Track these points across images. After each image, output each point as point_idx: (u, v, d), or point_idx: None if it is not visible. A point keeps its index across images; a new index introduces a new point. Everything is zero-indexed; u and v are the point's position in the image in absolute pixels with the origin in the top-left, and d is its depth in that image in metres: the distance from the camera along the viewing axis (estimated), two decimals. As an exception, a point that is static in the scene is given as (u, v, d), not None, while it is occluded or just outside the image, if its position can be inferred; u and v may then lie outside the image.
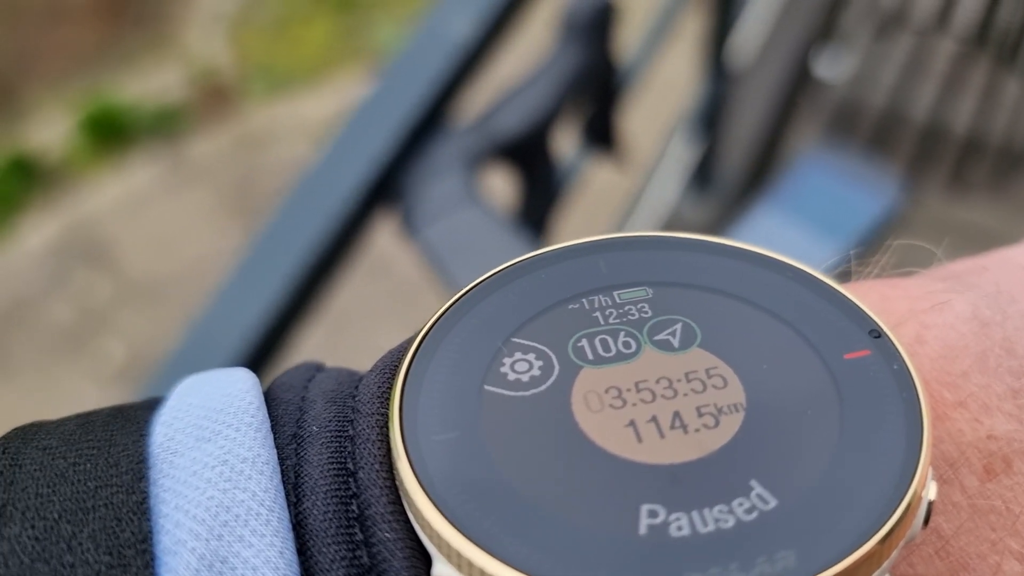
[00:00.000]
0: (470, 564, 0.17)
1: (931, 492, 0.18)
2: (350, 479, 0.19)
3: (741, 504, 0.17)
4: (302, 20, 2.28)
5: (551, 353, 0.20)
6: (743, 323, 0.20)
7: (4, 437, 0.20)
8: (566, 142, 0.80)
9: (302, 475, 0.19)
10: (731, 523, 0.17)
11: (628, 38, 0.84)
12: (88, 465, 0.18)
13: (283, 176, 1.91)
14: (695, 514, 0.17)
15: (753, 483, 0.17)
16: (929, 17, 1.21)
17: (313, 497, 0.18)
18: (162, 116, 2.11)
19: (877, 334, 0.20)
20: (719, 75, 1.16)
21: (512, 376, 0.19)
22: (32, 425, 0.20)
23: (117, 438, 0.19)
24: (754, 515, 0.17)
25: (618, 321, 0.20)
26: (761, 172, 1.22)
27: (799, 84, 1.23)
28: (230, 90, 2.16)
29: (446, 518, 0.17)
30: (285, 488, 0.19)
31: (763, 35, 1.25)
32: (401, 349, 0.21)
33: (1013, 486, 0.19)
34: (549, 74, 0.70)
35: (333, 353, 1.49)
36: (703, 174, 1.23)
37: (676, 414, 0.18)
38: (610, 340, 0.20)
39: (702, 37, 1.13)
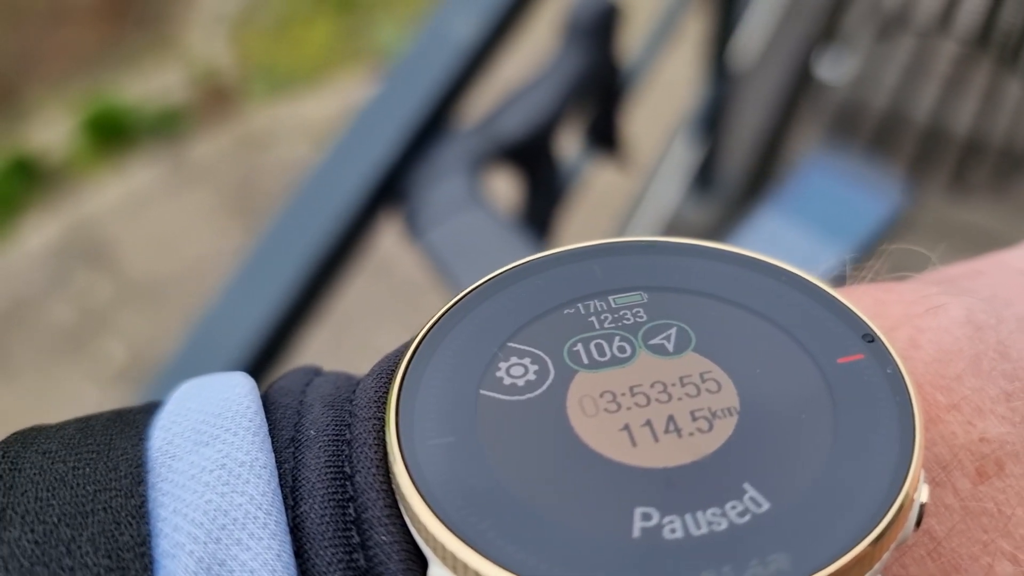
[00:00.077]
0: (465, 567, 0.17)
1: (923, 494, 0.18)
2: (347, 482, 0.19)
3: (734, 507, 0.17)
4: (303, 21, 2.28)
5: (547, 357, 0.20)
6: (737, 327, 0.20)
7: (4, 441, 0.20)
8: (569, 144, 0.81)
9: (300, 478, 0.19)
10: (724, 526, 0.17)
11: (630, 40, 0.84)
12: (87, 469, 0.19)
13: (284, 177, 1.91)
14: (688, 517, 0.17)
15: (746, 486, 0.18)
16: (931, 18, 1.21)
17: (310, 500, 0.19)
18: (163, 117, 2.11)
19: (871, 338, 0.20)
20: (721, 77, 1.16)
21: (508, 380, 0.19)
22: (32, 429, 0.20)
23: (116, 442, 0.19)
24: (747, 518, 0.17)
25: (613, 326, 0.20)
26: (763, 174, 1.22)
27: (801, 85, 1.23)
28: (231, 91, 2.16)
29: (442, 521, 0.17)
30: (283, 491, 0.19)
31: (765, 37, 1.25)
32: (398, 353, 0.21)
33: (1005, 488, 0.20)
34: (553, 76, 0.70)
35: (336, 354, 1.49)
36: (705, 176, 1.23)
37: (670, 418, 0.19)
38: (605, 344, 0.20)
39: (704, 39, 1.13)
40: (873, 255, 0.25)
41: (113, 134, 2.09)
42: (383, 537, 0.18)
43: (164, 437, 0.19)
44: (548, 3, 0.80)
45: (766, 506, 0.17)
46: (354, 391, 0.21)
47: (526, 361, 0.20)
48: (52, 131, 2.11)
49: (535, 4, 0.77)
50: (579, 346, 0.20)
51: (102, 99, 2.14)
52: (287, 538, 0.18)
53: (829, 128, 1.21)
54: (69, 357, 1.79)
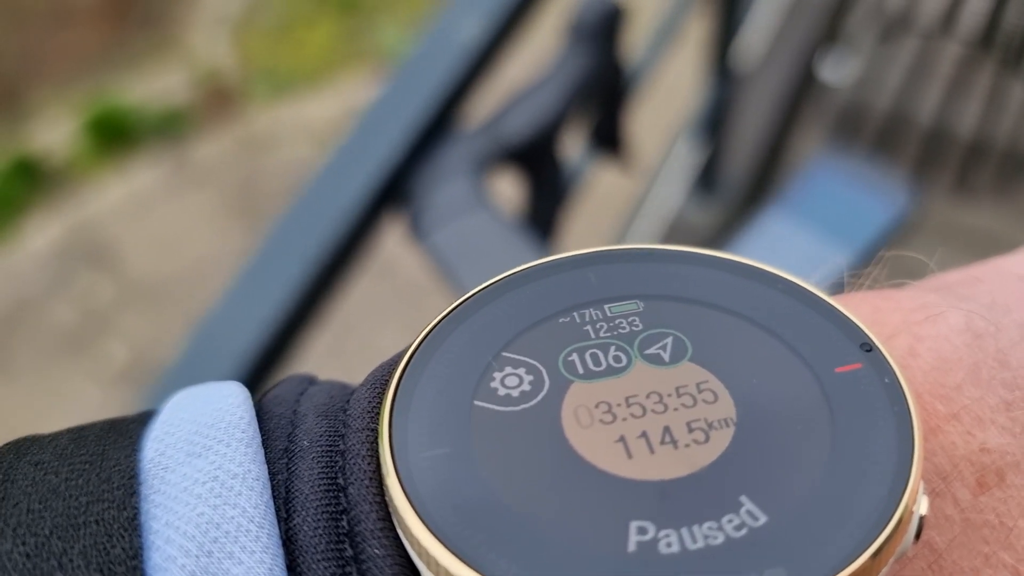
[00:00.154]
0: None
1: (922, 507, 0.18)
2: (340, 494, 0.19)
3: (731, 521, 0.17)
4: (305, 23, 2.28)
5: (541, 367, 0.20)
6: (734, 336, 0.20)
7: None
8: (572, 145, 0.80)
9: (292, 490, 0.19)
10: (720, 540, 0.17)
11: (633, 41, 0.83)
12: (80, 480, 0.18)
13: (286, 178, 1.91)
14: (684, 531, 0.17)
15: (743, 499, 0.17)
16: (934, 20, 1.21)
17: (303, 513, 0.18)
18: (166, 118, 2.11)
19: (869, 347, 0.20)
20: (724, 78, 1.16)
21: (502, 391, 0.19)
22: (25, 439, 0.20)
23: (110, 452, 0.19)
24: (744, 532, 0.17)
25: (609, 335, 0.20)
26: (766, 176, 1.22)
27: (804, 87, 1.23)
28: (234, 92, 2.17)
29: (434, 535, 0.17)
30: (276, 503, 0.19)
31: (768, 38, 1.25)
32: (392, 363, 0.21)
33: (1006, 499, 0.19)
34: (557, 78, 0.70)
35: (338, 356, 1.50)
36: (707, 178, 1.23)
37: (666, 429, 0.18)
38: (601, 354, 0.20)
39: (707, 40, 1.13)
40: (872, 262, 0.25)
41: (115, 135, 2.09)
42: (376, 551, 0.18)
43: (157, 448, 0.19)
44: (552, 5, 0.80)
45: (763, 520, 0.17)
46: (348, 401, 0.20)
47: (521, 371, 0.19)
48: (55, 132, 2.11)
49: (540, 6, 0.77)
50: (574, 356, 0.20)
51: (105, 100, 2.14)
52: (280, 551, 0.18)
53: (832, 130, 1.21)
54: (71, 358, 1.79)
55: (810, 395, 0.19)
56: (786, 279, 0.21)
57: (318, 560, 0.18)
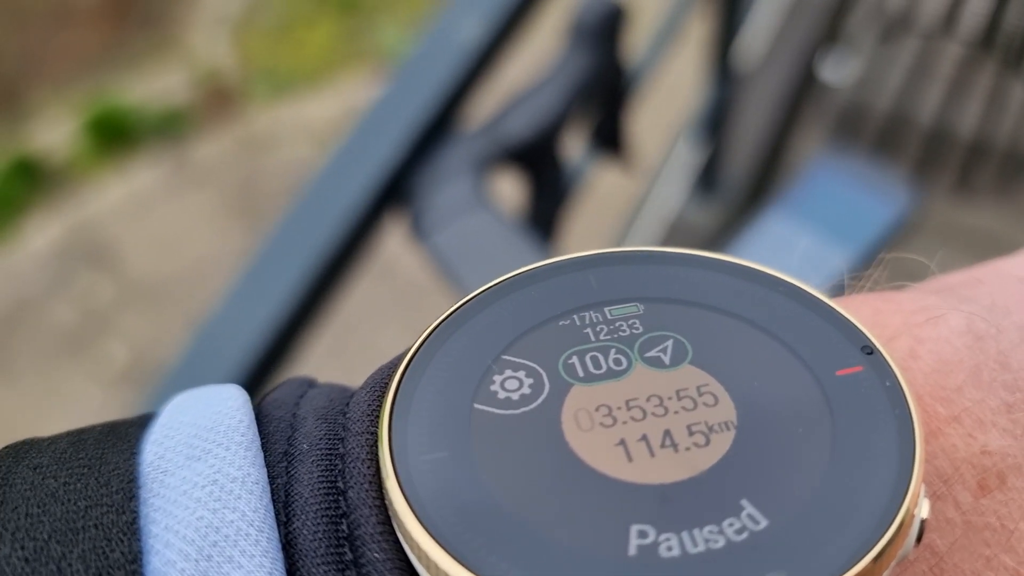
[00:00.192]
0: None
1: (924, 510, 0.18)
2: (340, 498, 0.19)
3: (732, 524, 0.17)
4: (305, 23, 2.28)
5: (541, 370, 0.19)
6: (734, 339, 0.20)
7: None
8: (573, 145, 0.80)
9: (292, 494, 0.19)
10: (721, 544, 0.17)
11: (634, 42, 0.83)
12: (79, 484, 0.18)
13: (286, 178, 1.92)
14: (685, 535, 0.17)
15: (744, 503, 0.17)
16: (935, 21, 1.21)
17: (303, 516, 0.18)
18: (166, 118, 2.11)
19: (870, 350, 0.20)
20: (724, 78, 1.16)
21: (502, 394, 0.19)
22: (24, 443, 0.20)
23: (108, 456, 0.19)
24: (744, 535, 0.17)
25: (609, 338, 0.20)
26: (766, 176, 1.22)
27: (804, 88, 1.23)
28: (233, 92, 2.17)
29: (434, 539, 0.17)
30: (275, 506, 0.19)
31: (768, 38, 1.25)
32: (392, 365, 0.21)
33: (1007, 502, 0.19)
34: (558, 78, 0.70)
35: (339, 356, 1.50)
36: (708, 178, 1.23)
37: (667, 432, 0.18)
38: (601, 357, 0.20)
39: (707, 40, 1.13)
40: (873, 264, 0.25)
41: (116, 135, 2.09)
42: (376, 554, 0.18)
43: (156, 451, 0.19)
44: (553, 5, 0.80)
45: (764, 523, 0.17)
46: (348, 404, 0.20)
47: (521, 374, 0.19)
48: (55, 132, 2.11)
49: (540, 6, 0.77)
50: (574, 359, 0.20)
51: (105, 100, 2.14)
52: (279, 555, 0.18)
53: (832, 130, 1.21)
54: (71, 358, 1.79)
55: (811, 398, 0.19)
56: (787, 282, 0.21)
57: (318, 564, 0.18)
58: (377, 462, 0.19)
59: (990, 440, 0.20)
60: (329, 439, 0.20)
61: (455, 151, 0.66)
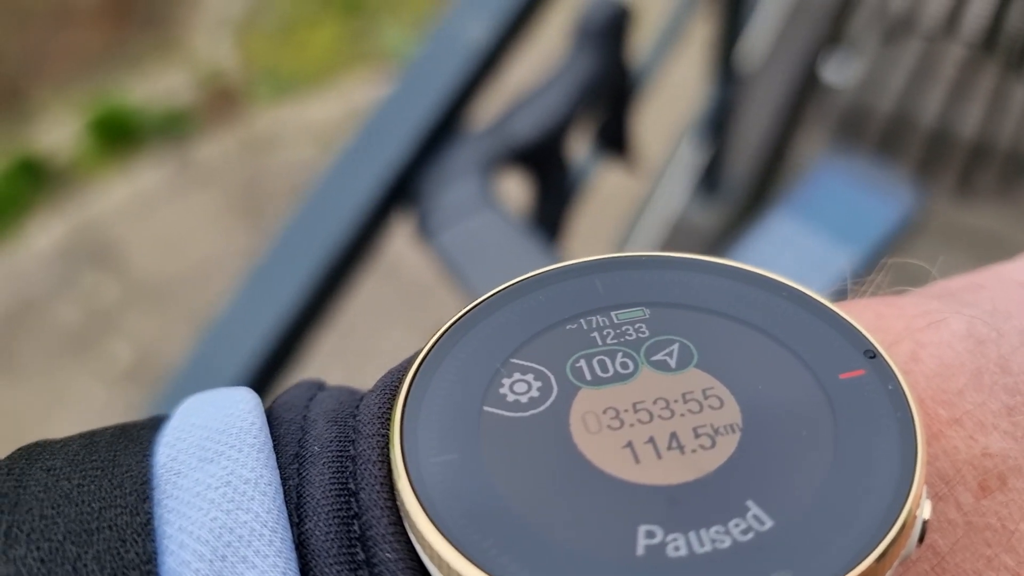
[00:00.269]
0: None
1: (926, 511, 0.18)
2: (352, 499, 0.19)
3: (737, 525, 0.17)
4: (308, 23, 2.28)
5: (549, 374, 0.20)
6: (739, 343, 0.20)
7: (8, 457, 0.20)
8: (578, 146, 0.81)
9: (304, 495, 0.19)
10: (728, 544, 0.17)
11: (638, 43, 0.84)
12: (92, 486, 0.19)
13: (289, 179, 1.92)
14: (692, 535, 0.17)
15: (749, 504, 0.18)
16: (937, 22, 1.21)
17: (315, 517, 0.19)
18: (169, 118, 2.12)
19: (872, 354, 0.20)
20: (727, 80, 1.16)
21: (511, 397, 0.19)
22: (36, 445, 0.20)
23: (121, 458, 0.19)
24: (750, 536, 0.17)
25: (616, 341, 0.20)
26: (769, 177, 1.22)
27: (807, 89, 1.23)
28: (236, 93, 2.17)
29: (447, 539, 0.17)
30: (287, 508, 0.19)
31: (771, 40, 1.25)
32: (401, 369, 0.21)
33: (1008, 503, 0.20)
34: (564, 79, 0.70)
35: (342, 357, 1.50)
36: (711, 178, 1.23)
37: (673, 435, 0.19)
38: (608, 361, 0.20)
39: (710, 42, 1.13)
40: (875, 268, 0.25)
41: (119, 135, 2.09)
42: (388, 554, 0.18)
43: (169, 454, 0.19)
44: (559, 6, 0.80)
45: (769, 524, 0.17)
46: (357, 407, 0.21)
47: (529, 377, 0.20)
48: (58, 132, 2.11)
49: (546, 7, 0.77)
50: (582, 362, 0.20)
51: (108, 101, 2.14)
52: (292, 555, 0.18)
53: (835, 131, 1.21)
54: (75, 358, 1.79)
55: (814, 401, 0.19)
56: (790, 286, 0.21)
57: (330, 564, 0.18)
58: (388, 464, 0.19)
59: (991, 442, 0.20)
60: (340, 441, 0.20)
61: (461, 151, 0.66)
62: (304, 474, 0.19)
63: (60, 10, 2.31)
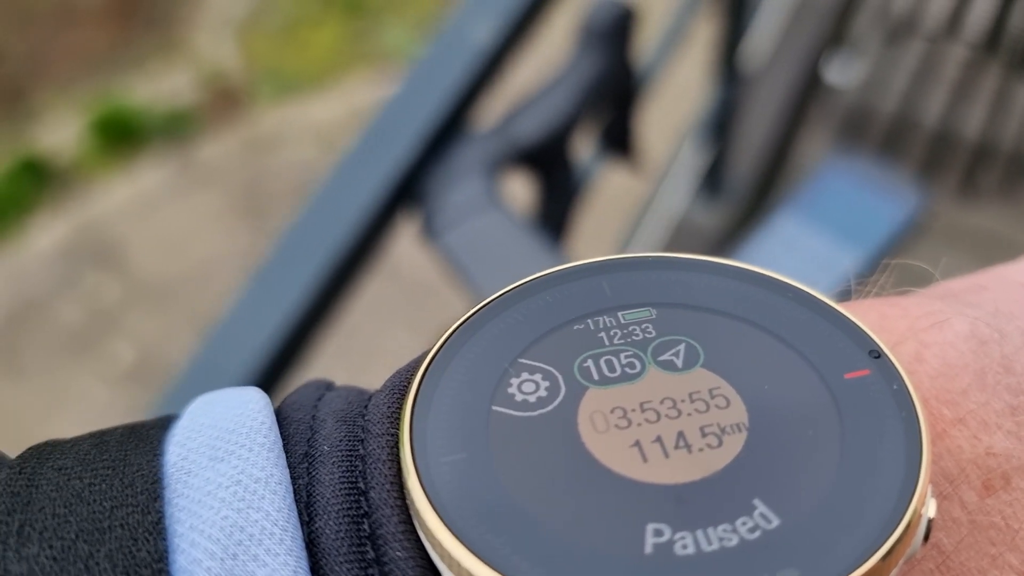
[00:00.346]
0: None
1: (931, 510, 0.18)
2: (361, 498, 0.19)
3: (745, 523, 0.17)
4: (311, 24, 2.29)
5: (557, 374, 0.20)
6: (745, 343, 0.20)
7: (20, 457, 0.20)
8: (583, 146, 0.81)
9: (314, 494, 0.19)
10: (735, 542, 0.17)
11: (641, 44, 0.84)
12: (104, 485, 0.19)
13: (291, 179, 1.92)
14: (700, 533, 0.17)
15: (756, 502, 0.18)
16: (940, 23, 1.21)
17: (325, 516, 0.19)
18: (172, 119, 2.12)
19: (877, 354, 0.20)
20: (730, 80, 1.16)
21: (519, 397, 0.19)
22: (47, 444, 0.20)
23: (131, 458, 0.19)
24: (757, 534, 0.17)
25: (623, 342, 0.20)
26: (771, 177, 1.22)
27: (810, 90, 1.23)
28: (239, 93, 2.17)
29: (456, 537, 0.17)
30: (298, 507, 0.19)
31: (774, 41, 1.25)
32: (409, 369, 0.21)
33: (1012, 502, 0.20)
34: (569, 80, 0.71)
35: (344, 358, 1.50)
36: (714, 179, 1.23)
37: (680, 434, 0.19)
38: (615, 361, 0.20)
39: (714, 42, 1.13)
40: (879, 269, 0.25)
41: (122, 135, 2.09)
42: (398, 553, 0.18)
43: (179, 453, 0.19)
44: (564, 7, 0.80)
45: (776, 522, 0.17)
46: (366, 406, 0.21)
47: (537, 377, 0.20)
48: (61, 132, 2.11)
49: (551, 8, 0.77)
50: (589, 362, 0.20)
51: (111, 101, 2.15)
52: (303, 554, 0.18)
53: (838, 132, 1.21)
54: (77, 357, 1.79)
55: (820, 401, 0.19)
56: (795, 287, 0.22)
57: (340, 562, 0.18)
58: (398, 463, 0.19)
59: (995, 442, 0.20)
60: (349, 441, 0.20)
61: (467, 152, 0.66)
62: (314, 473, 0.19)
63: (63, 10, 2.31)
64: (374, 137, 0.67)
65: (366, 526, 0.19)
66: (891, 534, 0.17)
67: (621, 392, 0.20)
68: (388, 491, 0.19)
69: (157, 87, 2.18)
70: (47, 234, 1.96)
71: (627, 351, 0.20)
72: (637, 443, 0.19)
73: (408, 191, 0.66)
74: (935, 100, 1.20)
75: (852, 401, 0.19)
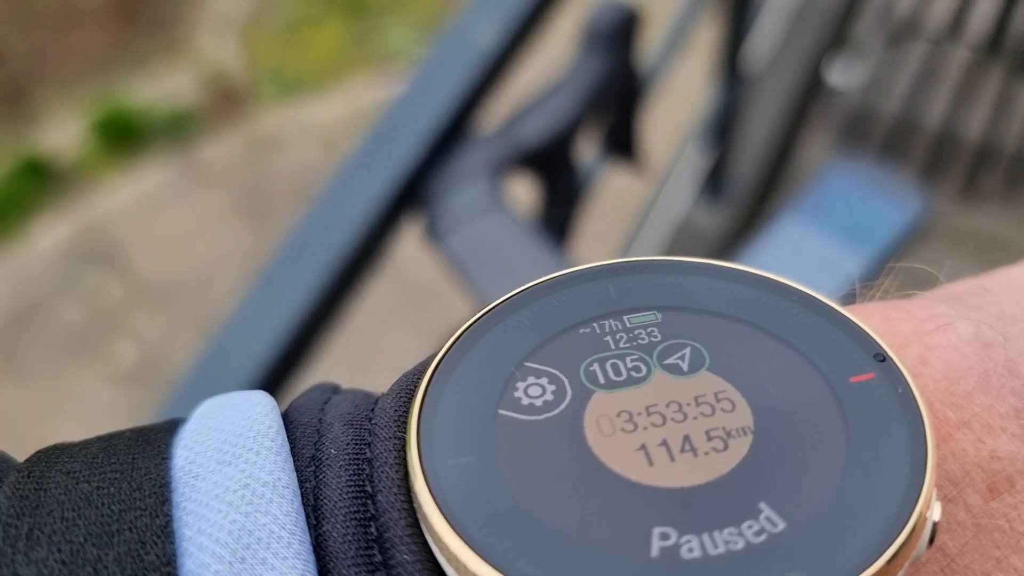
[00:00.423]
0: None
1: (935, 513, 0.18)
2: (368, 501, 0.19)
3: (750, 526, 0.17)
4: (313, 24, 2.29)
5: (563, 377, 0.20)
6: (750, 347, 0.20)
7: (28, 461, 0.20)
8: (586, 148, 0.81)
9: (321, 498, 0.19)
10: (741, 545, 0.17)
11: (644, 46, 0.84)
12: (112, 488, 0.19)
13: (293, 179, 1.92)
14: (706, 536, 0.17)
15: (762, 505, 0.18)
16: (942, 25, 1.21)
17: (333, 520, 0.19)
18: (174, 119, 2.12)
19: (882, 357, 0.20)
20: (733, 82, 1.16)
21: (526, 400, 0.19)
22: (55, 448, 0.20)
23: (139, 461, 0.19)
24: (763, 537, 0.17)
25: (628, 345, 0.20)
26: (774, 179, 1.22)
27: (812, 92, 1.23)
28: (241, 94, 2.17)
29: (463, 540, 0.17)
30: (305, 510, 0.19)
31: (776, 43, 1.25)
32: (415, 373, 0.21)
33: (1016, 505, 0.20)
34: (572, 83, 0.71)
35: (346, 359, 1.50)
36: (716, 181, 1.23)
37: (686, 437, 0.19)
38: (621, 364, 0.20)
39: (716, 45, 1.13)
40: (883, 273, 0.25)
41: (124, 136, 2.10)
42: (405, 556, 0.18)
43: (187, 456, 0.19)
44: (568, 10, 0.80)
45: (782, 525, 0.17)
46: (373, 410, 0.21)
47: (543, 381, 0.20)
48: (63, 133, 2.12)
49: (555, 11, 0.77)
50: (595, 366, 0.20)
51: (113, 101, 2.15)
52: (311, 557, 0.18)
53: (840, 134, 1.22)
54: (80, 358, 1.79)
55: (825, 404, 0.19)
56: (800, 291, 0.22)
57: (348, 565, 0.18)
58: (405, 466, 0.19)
59: (999, 445, 0.20)
60: (356, 444, 0.20)
61: (470, 154, 0.66)
62: (321, 477, 0.19)
63: (65, 11, 2.31)
64: (378, 139, 0.67)
65: (373, 529, 0.19)
66: (896, 537, 0.17)
67: (627, 396, 0.20)
68: (395, 494, 0.19)
69: (159, 87, 2.18)
70: (49, 234, 1.97)
71: (633, 355, 0.20)
72: (643, 447, 0.19)
73: (411, 193, 0.66)
74: (937, 102, 1.20)
75: (857, 404, 0.19)
